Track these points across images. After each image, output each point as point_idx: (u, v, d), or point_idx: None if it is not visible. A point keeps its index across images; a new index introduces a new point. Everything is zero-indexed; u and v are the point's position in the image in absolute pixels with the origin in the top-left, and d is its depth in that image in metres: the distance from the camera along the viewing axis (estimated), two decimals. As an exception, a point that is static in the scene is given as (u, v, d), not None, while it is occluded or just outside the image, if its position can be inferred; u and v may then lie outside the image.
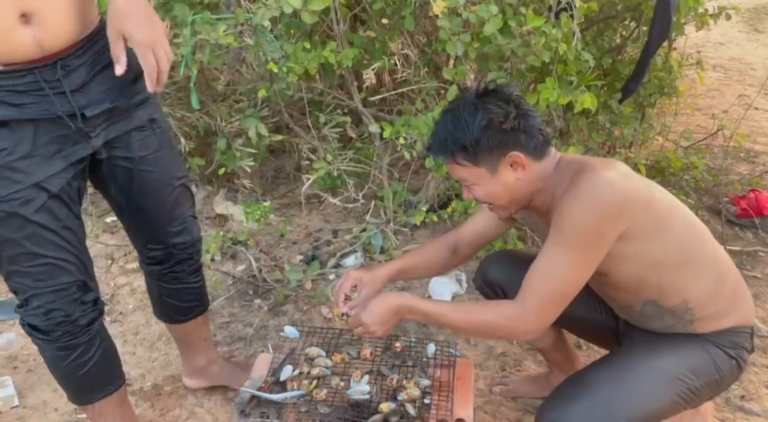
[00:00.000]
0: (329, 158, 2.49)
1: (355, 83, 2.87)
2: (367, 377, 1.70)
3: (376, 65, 2.50)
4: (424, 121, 2.35)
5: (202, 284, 1.91)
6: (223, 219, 3.15)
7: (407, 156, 2.39)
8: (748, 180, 3.05)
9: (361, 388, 1.65)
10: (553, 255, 1.38)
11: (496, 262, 1.82)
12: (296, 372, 1.72)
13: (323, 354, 1.79)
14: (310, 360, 1.77)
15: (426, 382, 1.68)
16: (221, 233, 2.81)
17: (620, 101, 2.45)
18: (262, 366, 1.79)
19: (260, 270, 2.68)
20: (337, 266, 2.72)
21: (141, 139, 1.57)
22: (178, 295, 1.87)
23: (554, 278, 1.38)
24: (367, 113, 2.83)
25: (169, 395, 2.14)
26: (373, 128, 2.48)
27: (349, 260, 2.72)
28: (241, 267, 2.78)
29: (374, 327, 1.46)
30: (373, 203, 2.78)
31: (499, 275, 1.80)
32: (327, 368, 1.73)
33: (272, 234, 2.99)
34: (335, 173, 2.67)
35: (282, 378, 1.70)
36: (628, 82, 2.44)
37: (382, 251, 2.74)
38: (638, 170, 2.75)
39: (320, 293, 2.54)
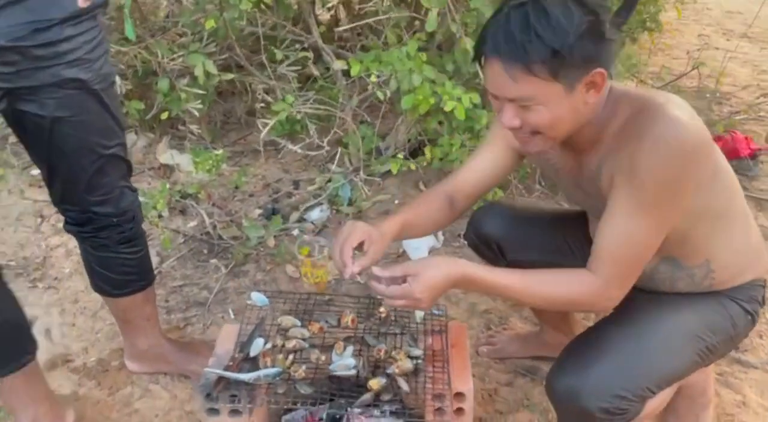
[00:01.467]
0: (290, 99, 2.20)
1: (314, 15, 2.57)
2: (350, 348, 1.49)
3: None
4: (398, 56, 2.09)
5: (141, 255, 1.65)
6: (168, 170, 2.83)
7: (380, 96, 2.13)
8: (728, 121, 2.93)
9: (345, 362, 1.45)
10: (631, 217, 1.16)
11: (491, 215, 1.61)
12: (268, 345, 1.50)
13: (298, 323, 1.57)
14: (284, 331, 1.55)
15: (417, 351, 1.49)
16: (167, 185, 2.51)
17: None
18: (227, 339, 1.55)
19: (214, 227, 2.41)
20: (301, 220, 2.48)
21: (59, 97, 1.34)
22: (107, 265, 1.61)
23: (634, 243, 1.18)
24: (328, 49, 2.54)
25: (118, 371, 1.89)
26: (339, 64, 2.20)
27: (314, 214, 2.48)
28: (192, 224, 2.49)
29: (425, 301, 1.20)
30: (339, 150, 2.52)
31: (495, 229, 1.59)
32: (304, 339, 1.52)
33: (226, 186, 2.70)
34: (296, 117, 2.38)
35: (252, 354, 1.48)
36: (618, 11, 2.22)
37: (350, 203, 2.50)
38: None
39: (284, 250, 2.30)
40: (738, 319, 1.36)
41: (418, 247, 2.29)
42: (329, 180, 2.69)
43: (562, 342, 1.88)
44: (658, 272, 1.37)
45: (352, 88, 2.40)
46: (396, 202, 2.60)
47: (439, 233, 2.38)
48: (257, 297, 1.63)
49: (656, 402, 1.32)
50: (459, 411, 1.42)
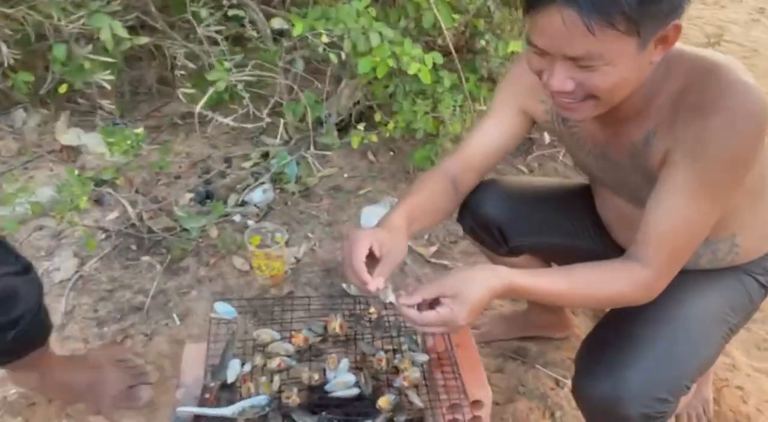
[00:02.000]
0: (225, 65, 1.88)
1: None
2: (345, 361, 1.28)
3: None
4: (348, 12, 1.82)
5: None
6: (72, 152, 2.43)
7: (333, 59, 1.86)
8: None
9: (343, 379, 1.24)
10: (692, 200, 1.00)
11: (490, 196, 1.42)
12: (247, 367, 1.26)
13: (277, 336, 1.33)
14: (262, 348, 1.31)
15: (423, 357, 1.30)
16: (75, 172, 2.13)
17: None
18: (193, 363, 1.30)
19: (141, 218, 2.08)
20: (243, 203, 2.19)
21: None
22: None
23: (692, 229, 1.03)
24: (254, 5, 2.22)
25: (48, 403, 1.58)
26: (279, 22, 1.90)
27: (256, 196, 2.20)
28: (112, 215, 2.14)
29: (468, 324, 1.03)
30: (281, 121, 2.23)
31: (496, 212, 1.41)
32: (289, 356, 1.29)
33: (146, 168, 2.35)
34: (226, 85, 2.06)
35: (230, 380, 1.24)
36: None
37: (297, 180, 2.24)
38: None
39: (229, 240, 2.02)
40: (754, 294, 1.28)
41: (368, 215, 2.08)
42: (266, 154, 2.41)
43: (550, 321, 1.78)
44: None
45: (289, 50, 2.10)
46: (345, 175, 2.37)
47: (393, 199, 2.18)
48: (222, 308, 1.37)
49: (689, 396, 1.22)
50: (475, 419, 1.26)
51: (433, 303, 1.00)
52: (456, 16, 2.02)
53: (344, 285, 1.92)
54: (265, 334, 1.32)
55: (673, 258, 1.05)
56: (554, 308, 1.72)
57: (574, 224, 1.42)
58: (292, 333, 1.33)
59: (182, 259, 1.99)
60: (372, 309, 1.41)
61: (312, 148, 2.13)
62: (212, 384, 1.22)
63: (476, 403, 1.25)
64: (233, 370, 1.24)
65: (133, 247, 2.03)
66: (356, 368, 1.27)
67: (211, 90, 1.88)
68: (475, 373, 1.29)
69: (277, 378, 1.23)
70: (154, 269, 1.95)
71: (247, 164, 2.38)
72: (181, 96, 2.23)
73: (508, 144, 1.29)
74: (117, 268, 1.97)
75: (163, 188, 2.29)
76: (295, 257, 2.02)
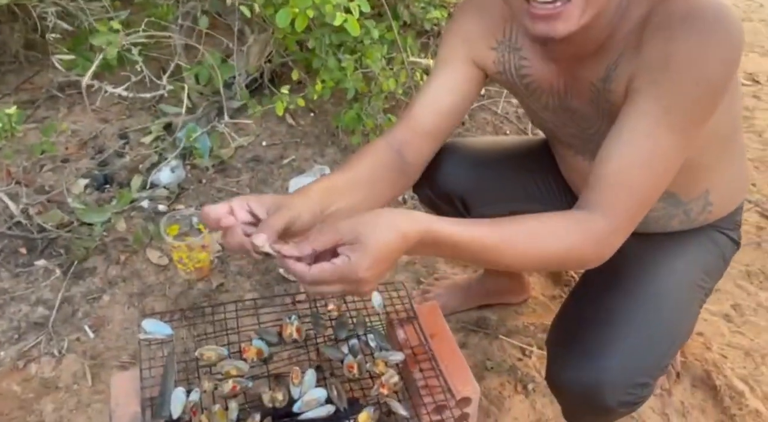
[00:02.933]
0: (116, 25, 1.56)
1: None
2: (311, 372, 1.10)
3: None
4: (257, -44, 1.55)
5: None
6: (-74, 140, 2.01)
7: (246, 13, 1.59)
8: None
9: (312, 396, 1.06)
10: (655, 130, 0.84)
11: (451, 164, 1.25)
12: (194, 395, 1.05)
13: (225, 352, 1.12)
14: (209, 369, 1.10)
15: (397, 356, 1.14)
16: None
17: None
18: (125, 398, 1.07)
19: (27, 214, 1.76)
20: (151, 186, 1.90)
21: None
22: None
23: (655, 167, 0.86)
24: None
25: None
26: (175, -28, 1.60)
27: (164, 176, 1.92)
28: (-10, 214, 1.80)
29: (371, 282, 0.75)
30: (185, 87, 1.93)
31: (458, 182, 1.25)
32: (242, 376, 1.09)
33: (23, 153, 1.99)
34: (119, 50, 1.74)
35: (176, 414, 1.02)
36: None
37: (210, 153, 1.97)
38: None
39: (141, 232, 1.74)
40: (726, 251, 1.22)
41: (297, 186, 1.87)
42: (168, 126, 2.11)
43: (507, 286, 1.68)
44: (652, 211, 1.15)
45: (186, 2, 1.79)
46: (263, 144, 2.12)
47: (322, 167, 1.98)
48: (152, 326, 1.14)
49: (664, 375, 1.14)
50: (463, 416, 1.13)
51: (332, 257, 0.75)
52: (376, -43, 1.79)
53: (281, 270, 1.71)
54: (210, 351, 1.11)
55: (632, 204, 0.88)
56: (510, 273, 1.62)
57: (539, 186, 1.29)
58: (243, 345, 1.13)
59: (86, 259, 1.70)
60: (331, 306, 1.23)
61: (225, 116, 1.86)
62: (154, 424, 1.00)
63: (463, 401, 1.11)
64: (178, 401, 1.03)
65: (23, 250, 1.72)
66: (324, 381, 1.10)
67: (99, 57, 1.56)
68: (457, 366, 1.15)
69: (233, 403, 1.03)
70: (53, 275, 1.66)
71: (147, 140, 2.07)
72: (56, 63, 1.88)
73: (462, 102, 1.10)
74: (5, 278, 1.65)
75: (50, 175, 1.95)
76: (220, 244, 1.78)
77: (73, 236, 1.70)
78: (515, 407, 1.44)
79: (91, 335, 1.53)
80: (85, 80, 1.59)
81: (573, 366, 0.99)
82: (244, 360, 1.11)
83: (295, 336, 1.16)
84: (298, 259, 0.75)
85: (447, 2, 2.05)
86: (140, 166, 1.97)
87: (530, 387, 1.49)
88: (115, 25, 1.56)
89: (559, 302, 1.71)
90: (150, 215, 1.83)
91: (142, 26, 1.64)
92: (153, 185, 1.90)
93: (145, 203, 1.85)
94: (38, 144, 1.84)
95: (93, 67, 1.60)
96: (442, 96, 1.09)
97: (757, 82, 2.89)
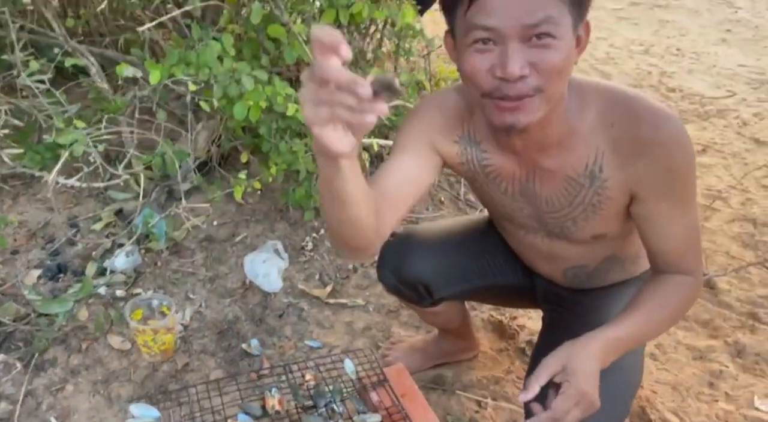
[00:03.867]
0: (78, 123, 1.64)
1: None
2: (298, 441, 1.18)
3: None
4: (211, 54, 1.69)
5: None
6: None
7: (205, 108, 1.71)
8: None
9: (302, 462, 1.14)
10: (685, 213, 1.10)
11: (412, 252, 1.37)
12: (189, 473, 1.11)
13: (214, 429, 1.19)
14: (201, 447, 1.16)
15: (374, 418, 1.24)
16: None
17: (421, 13, 2.14)
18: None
19: (-20, 308, 1.75)
20: (106, 272, 1.93)
21: None
22: None
23: (695, 233, 1.14)
24: (83, 49, 1.98)
25: None
26: (132, 70, 1.70)
27: (120, 262, 1.95)
28: (-60, 312, 1.77)
29: (595, 390, 1.01)
30: (134, 174, 2.00)
31: (421, 269, 1.37)
32: (234, 450, 1.15)
33: (-29, 246, 1.98)
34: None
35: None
36: (426, -12, 2.13)
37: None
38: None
39: (102, 318, 1.77)
40: None
41: (267, 273, 1.96)
42: (119, 211, 2.16)
43: (460, 345, 1.81)
44: (599, 270, 1.33)
45: (142, 99, 1.90)
46: (215, 223, 2.20)
47: (281, 250, 2.08)
48: (140, 411, 1.19)
49: None
50: (438, 468, 1.23)
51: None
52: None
53: (244, 345, 1.78)
54: (200, 430, 1.17)
55: (699, 256, 1.17)
56: (463, 331, 1.75)
57: (491, 262, 1.44)
58: (229, 421, 1.20)
59: (46, 350, 1.70)
60: (308, 376, 1.32)
61: (183, 200, 1.94)
62: None
63: (438, 453, 1.22)
64: (174, 482, 1.08)
65: (-22, 346, 1.70)
66: (310, 445, 1.18)
67: (65, 154, 1.62)
68: (429, 421, 1.27)
69: (227, 478, 1.10)
70: (13, 369, 1.65)
71: (98, 226, 2.11)
72: (5, 158, 1.92)
73: (422, 183, 1.18)
74: (-37, 376, 1.63)
75: (0, 269, 1.94)
76: (182, 324, 1.83)
77: (32, 328, 1.70)
78: (479, 457, 1.55)
79: (58, 427, 1.54)
80: (52, 177, 1.64)
81: None
82: (234, 435, 1.18)
83: (278, 407, 1.24)
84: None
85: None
86: (93, 253, 2.00)
87: (490, 437, 1.61)
88: (79, 123, 1.63)
89: (506, 355, 1.87)
90: (108, 301, 1.86)
91: (104, 123, 1.72)
92: (113, 271, 1.93)
93: (102, 290, 1.88)
94: (-12, 238, 1.85)
95: (58, 166, 1.65)
96: (406, 172, 1.15)
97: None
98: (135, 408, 1.19)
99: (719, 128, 3.38)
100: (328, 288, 2.01)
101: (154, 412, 1.19)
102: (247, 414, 1.22)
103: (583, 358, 1.00)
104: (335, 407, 1.25)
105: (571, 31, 0.94)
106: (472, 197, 2.54)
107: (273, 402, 1.23)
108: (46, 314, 1.75)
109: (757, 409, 1.73)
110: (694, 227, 1.13)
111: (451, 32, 1.03)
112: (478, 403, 1.70)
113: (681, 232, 1.12)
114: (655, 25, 4.93)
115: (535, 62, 0.92)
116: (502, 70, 0.92)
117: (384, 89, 0.69)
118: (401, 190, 1.14)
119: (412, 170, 1.16)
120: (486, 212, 1.47)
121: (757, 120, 3.47)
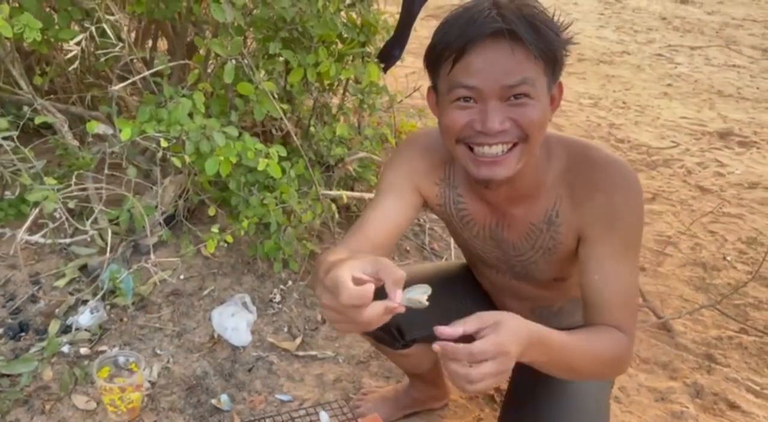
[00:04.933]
0: (52, 181, 1.64)
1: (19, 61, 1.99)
2: (276, 496, 1.18)
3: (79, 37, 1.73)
4: (183, 111, 1.73)
5: None
6: None
7: (177, 163, 1.73)
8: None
9: None
10: (623, 265, 1.11)
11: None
12: None
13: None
14: None
15: (352, 469, 1.25)
16: None
17: (384, 70, 2.23)
18: None
19: (-63, 371, 1.69)
20: (69, 330, 1.90)
21: None
22: None
23: (634, 288, 1.14)
24: (50, 105, 2.00)
25: None
26: (102, 127, 1.72)
27: (84, 319, 1.92)
28: None
29: (513, 357, 0.89)
30: (108, 230, 1.99)
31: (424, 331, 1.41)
32: None
33: (-73, 307, 1.92)
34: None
35: None
36: (389, 48, 2.23)
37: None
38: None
39: (66, 377, 1.73)
40: None
41: (236, 327, 1.96)
42: (83, 267, 2.13)
43: (431, 393, 1.83)
44: (564, 310, 1.40)
45: (94, 148, 1.91)
46: (181, 277, 2.19)
47: (249, 304, 2.08)
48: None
49: None
50: None
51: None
52: (284, 106, 2.03)
53: (213, 401, 1.76)
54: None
55: (634, 316, 1.15)
56: (434, 377, 1.77)
57: (463, 305, 1.49)
58: (206, 479, 1.18)
59: (8, 412, 1.65)
60: (284, 429, 1.32)
61: (152, 255, 1.94)
62: None
63: None
64: None
65: (-65, 411, 1.64)
66: None
67: (35, 211, 1.61)
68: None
69: None
70: (-28, 434, 1.59)
71: (61, 283, 2.07)
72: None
73: (405, 223, 1.27)
74: None
75: (-43, 328, 1.89)
76: (149, 381, 1.80)
77: (-6, 390, 1.65)
78: None
79: (21, 494, 1.48)
80: (20, 237, 1.62)
81: None
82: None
83: (254, 463, 1.23)
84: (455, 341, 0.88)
85: (347, 140, 2.32)
86: (57, 310, 1.96)
87: (462, 485, 1.62)
88: (50, 180, 1.63)
89: (476, 403, 1.90)
90: (72, 360, 1.82)
91: (74, 179, 1.72)
92: (77, 329, 1.90)
93: (66, 348, 1.84)
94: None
95: (26, 225, 1.64)
96: (391, 216, 1.24)
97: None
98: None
99: (666, 176, 3.56)
100: (298, 340, 2.01)
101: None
102: (223, 471, 1.21)
103: (517, 325, 0.92)
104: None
105: (546, 91, 1.03)
106: (437, 246, 2.60)
107: (249, 457, 1.23)
108: (8, 375, 1.70)
109: (718, 448, 1.79)
110: (631, 285, 1.14)
111: (434, 88, 1.11)
112: (451, 452, 1.71)
113: (618, 284, 1.12)
114: (601, 79, 5.20)
115: (515, 118, 1.01)
116: (482, 125, 1.01)
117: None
118: (388, 232, 1.24)
119: (397, 212, 1.25)
120: (458, 259, 1.53)
121: (701, 169, 3.67)
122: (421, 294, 0.89)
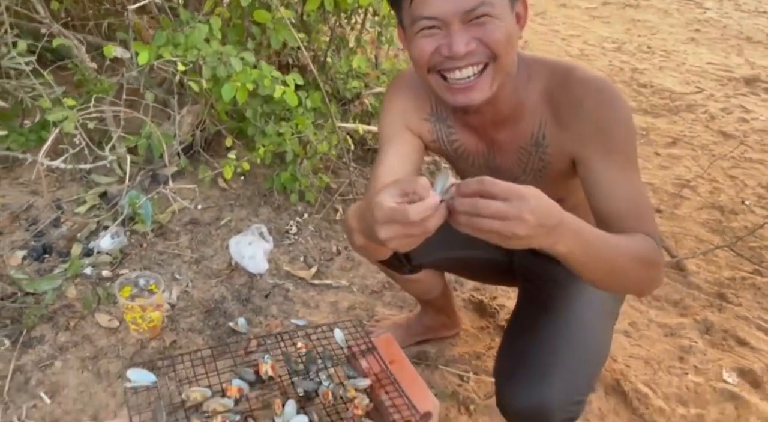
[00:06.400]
0: (71, 102, 1.65)
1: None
2: (291, 403, 1.22)
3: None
4: (199, 36, 1.72)
5: None
6: None
7: (194, 87, 1.74)
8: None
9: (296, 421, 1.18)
10: (630, 176, 1.10)
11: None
12: (186, 434, 1.14)
13: (208, 392, 1.22)
14: (197, 408, 1.19)
15: (364, 382, 1.29)
16: None
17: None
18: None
19: (-34, 288, 1.75)
20: (91, 253, 1.95)
21: None
22: None
23: (646, 201, 1.12)
24: (68, 32, 1.99)
25: None
26: (120, 50, 1.72)
27: (105, 243, 1.97)
28: (-75, 291, 1.77)
29: (530, 226, 0.81)
30: (128, 157, 2.02)
31: (427, 257, 1.44)
32: (230, 411, 1.19)
33: (-47, 228, 1.98)
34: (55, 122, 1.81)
35: (171, 453, 1.11)
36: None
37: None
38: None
39: (89, 297, 1.78)
40: None
41: (253, 255, 1.99)
42: (103, 194, 2.17)
43: (442, 322, 1.87)
44: None
45: (129, 79, 1.91)
46: (199, 207, 2.22)
47: (265, 233, 2.11)
48: (138, 375, 1.22)
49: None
50: (426, 429, 1.28)
51: None
52: (301, 35, 2.01)
53: (231, 323, 1.81)
54: (196, 393, 1.20)
55: (653, 222, 1.10)
56: (444, 305, 1.80)
57: (468, 235, 1.50)
58: (224, 385, 1.23)
59: (34, 328, 1.71)
60: (300, 344, 1.36)
61: (170, 182, 1.96)
62: (153, 463, 1.08)
63: (426, 415, 1.27)
64: (171, 441, 1.12)
65: (-34, 324, 1.70)
66: (302, 409, 1.22)
67: (55, 131, 1.64)
68: (417, 386, 1.32)
69: (223, 438, 1.13)
70: (1, 345, 1.65)
71: (82, 209, 2.12)
72: (-13, 139, 1.92)
73: (413, 169, 1.27)
74: (-50, 353, 1.63)
75: (-17, 250, 1.94)
76: (169, 303, 1.86)
77: (20, 305, 1.71)
78: (462, 426, 1.60)
79: (48, 401, 1.55)
80: (40, 158, 1.65)
81: (520, 394, 1.15)
82: (228, 397, 1.21)
83: (270, 373, 1.27)
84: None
85: (364, 74, 2.30)
86: (78, 234, 2.01)
87: (472, 407, 1.66)
88: (69, 102, 1.64)
89: (487, 333, 1.93)
90: (95, 281, 1.87)
91: (92, 102, 1.73)
92: (99, 252, 1.95)
93: (88, 270, 1.89)
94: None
95: (47, 144, 1.66)
96: (395, 168, 1.23)
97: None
98: (132, 373, 1.22)
99: (688, 121, 3.50)
100: (313, 270, 2.05)
101: (151, 377, 1.22)
102: (241, 378, 1.26)
103: (550, 203, 0.85)
104: (327, 371, 1.29)
105: (509, 9, 1.03)
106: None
107: (266, 368, 1.27)
108: (33, 293, 1.75)
109: (725, 381, 1.82)
110: (640, 191, 1.11)
111: (400, 23, 1.11)
112: (460, 377, 1.76)
113: (627, 195, 1.09)
114: (626, 23, 5.06)
115: (479, 37, 1.01)
116: (449, 49, 1.02)
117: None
118: None
119: (401, 161, 1.24)
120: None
121: (725, 115, 3.60)
122: (447, 183, 0.85)
